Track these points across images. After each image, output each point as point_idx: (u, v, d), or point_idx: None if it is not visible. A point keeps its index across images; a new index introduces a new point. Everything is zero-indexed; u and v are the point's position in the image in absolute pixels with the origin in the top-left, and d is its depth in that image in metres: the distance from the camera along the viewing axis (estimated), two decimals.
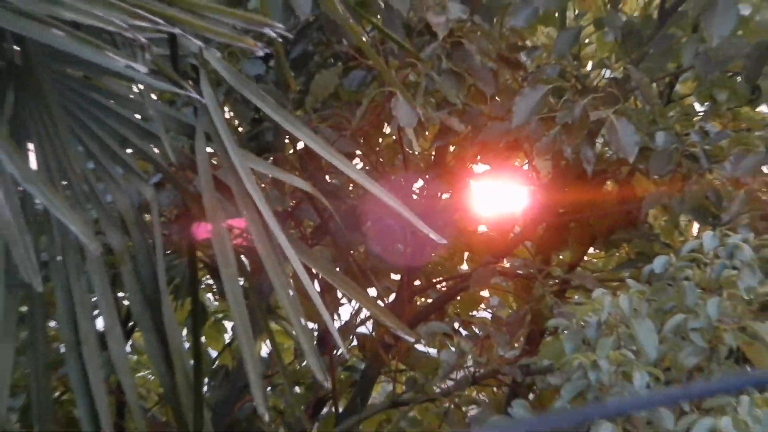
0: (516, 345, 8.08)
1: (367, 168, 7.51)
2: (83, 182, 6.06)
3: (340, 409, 7.99)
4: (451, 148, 7.41)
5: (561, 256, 8.03)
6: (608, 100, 7.11)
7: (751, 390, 6.48)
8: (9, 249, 5.59)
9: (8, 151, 5.31)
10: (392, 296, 7.97)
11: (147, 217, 6.31)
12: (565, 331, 6.61)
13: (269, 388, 7.29)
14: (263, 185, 6.09)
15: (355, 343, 8.14)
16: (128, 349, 6.76)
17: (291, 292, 6.06)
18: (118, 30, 5.57)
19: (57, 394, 6.68)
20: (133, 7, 5.67)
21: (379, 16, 6.84)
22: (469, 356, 8.11)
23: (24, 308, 6.11)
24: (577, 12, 7.89)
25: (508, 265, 8.07)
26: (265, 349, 8.05)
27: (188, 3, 5.91)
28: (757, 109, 7.72)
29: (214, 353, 8.87)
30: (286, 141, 6.63)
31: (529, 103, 6.89)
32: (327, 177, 6.69)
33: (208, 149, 6.06)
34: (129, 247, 6.26)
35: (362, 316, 8.16)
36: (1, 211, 5.47)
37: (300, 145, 6.55)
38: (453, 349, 8.05)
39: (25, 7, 5.55)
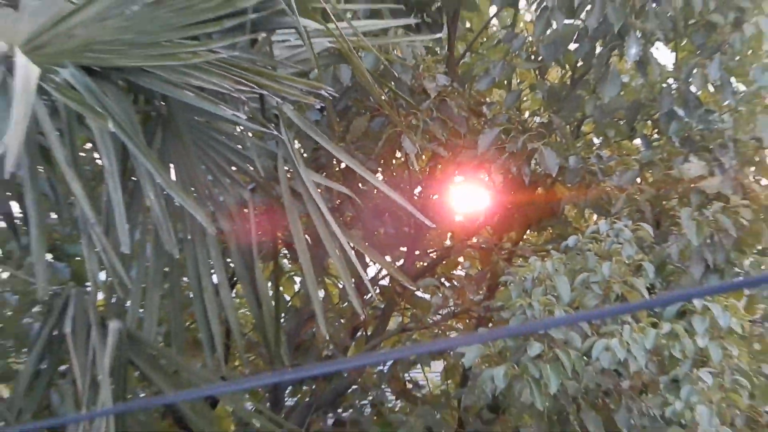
0: (480, 292, 8.09)
1: (385, 179, 7.50)
2: (204, 188, 6.09)
3: (369, 333, 7.99)
4: (439, 167, 7.40)
5: (509, 236, 8.03)
6: (539, 136, 7.09)
7: (630, 320, 6.48)
8: (158, 231, 5.57)
9: (157, 169, 5.29)
10: (401, 261, 8.00)
11: (245, 210, 6.30)
12: (512, 284, 6.59)
13: (325, 317, 7.35)
14: (319, 190, 6.06)
15: (378, 291, 8.16)
16: (233, 294, 6.75)
17: (338, 257, 6.12)
18: (227, 92, 5.56)
19: (187, 324, 6.66)
20: (236, 78, 5.64)
21: (392, 83, 6.84)
22: (450, 300, 8.13)
23: (166, 269, 6.11)
24: (519, 81, 7.88)
25: (475, 241, 8.09)
26: (320, 294, 8.06)
27: (271, 75, 5.91)
28: (633, 142, 7.73)
29: (288, 297, 8.86)
30: (334, 162, 6.63)
31: (488, 138, 6.87)
32: (359, 185, 6.69)
33: (285, 168, 6.06)
34: (234, 229, 6.25)
35: (382, 273, 8.18)
36: (153, 207, 5.44)
37: (342, 165, 6.55)
38: (440, 295, 8.08)
39: (168, 77, 5.53)
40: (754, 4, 6.90)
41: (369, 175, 6.63)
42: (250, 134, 6.15)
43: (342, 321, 7.86)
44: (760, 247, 7.04)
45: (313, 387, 7.55)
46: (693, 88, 7.02)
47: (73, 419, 6.02)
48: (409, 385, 8.39)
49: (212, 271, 6.25)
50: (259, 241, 6.47)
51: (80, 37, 5.61)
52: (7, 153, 4.86)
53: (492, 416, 7.31)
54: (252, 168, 6.26)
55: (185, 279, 6.24)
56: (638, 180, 7.27)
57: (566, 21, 6.96)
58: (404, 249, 7.93)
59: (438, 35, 7.46)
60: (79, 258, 5.99)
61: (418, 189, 7.35)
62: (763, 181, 7.21)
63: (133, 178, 5.59)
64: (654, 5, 6.78)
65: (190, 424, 7.38)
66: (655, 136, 7.43)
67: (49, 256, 6.46)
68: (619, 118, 7.49)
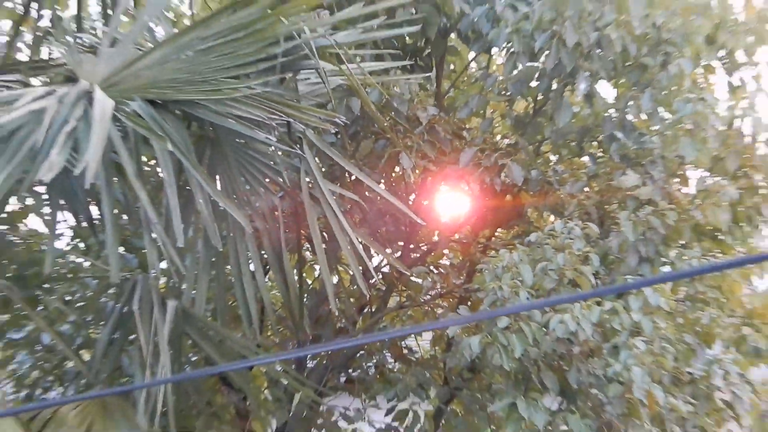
0: (461, 277, 8.07)
1: (386, 188, 7.50)
2: (243, 196, 6.10)
3: (373, 309, 7.98)
4: (429, 178, 7.40)
5: (484, 233, 8.01)
6: (507, 154, 7.09)
7: (581, 301, 6.50)
8: (206, 229, 5.59)
9: (206, 180, 5.32)
10: (398, 253, 7.99)
11: (276, 213, 6.31)
12: (486, 271, 6.59)
13: (337, 299, 7.31)
14: (334, 197, 6.07)
15: (380, 276, 8.13)
16: (266, 279, 6.75)
17: (348, 250, 6.12)
18: (261, 119, 5.57)
19: (229, 303, 6.66)
20: (269, 108, 5.65)
21: (392, 113, 6.85)
22: (438, 283, 8.12)
23: (213, 259, 6.12)
24: (492, 110, 7.86)
25: (457, 237, 8.07)
26: (334, 279, 8.04)
27: (296, 106, 5.94)
28: (582, 159, 7.71)
29: (309, 281, 8.87)
30: (346, 175, 6.62)
31: (468, 156, 6.86)
32: (366, 193, 6.69)
33: (307, 179, 6.07)
34: (266, 228, 6.26)
35: (384, 263, 8.18)
36: (202, 210, 5.46)
37: (353, 177, 6.55)
38: (429, 279, 8.08)
39: (214, 108, 5.56)
40: (676, 49, 6.92)
41: (373, 184, 6.67)
42: (279, 153, 6.16)
43: (351, 300, 7.86)
44: (682, 242, 7.07)
45: (329, 353, 7.56)
46: (629, 116, 7.02)
47: (149, 384, 6.05)
48: (405, 351, 8.40)
49: (249, 260, 6.27)
50: (287, 237, 6.49)
51: (145, 76, 5.65)
52: (88, 168, 4.89)
53: (470, 375, 7.32)
54: (281, 179, 6.28)
55: (228, 267, 6.25)
56: (586, 189, 7.26)
57: (529, 63, 6.96)
58: (401, 243, 7.93)
59: (428, 75, 7.46)
60: (144, 250, 6.00)
61: (413, 196, 7.33)
62: (684, 190, 7.23)
63: (187, 188, 5.61)
64: (598, 50, 6.79)
65: (232, 382, 7.40)
66: (600, 154, 7.41)
67: (120, 249, 6.48)
68: (571, 140, 7.48)
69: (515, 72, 7.16)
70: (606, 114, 7.13)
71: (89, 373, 6.49)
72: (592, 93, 7.08)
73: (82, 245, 7.62)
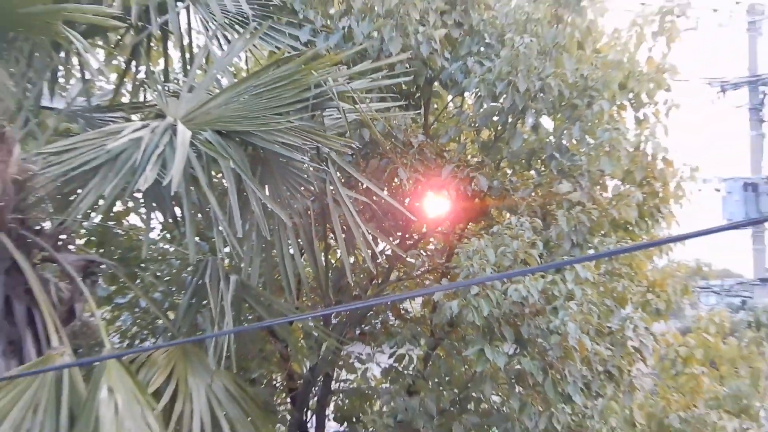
0: (443, 258, 8.05)
1: (388, 193, 7.49)
2: (285, 200, 6.12)
3: (379, 281, 7.96)
4: (419, 187, 7.36)
5: (459, 226, 7.97)
6: (476, 169, 7.08)
7: (530, 275, 6.53)
8: (258, 224, 5.61)
9: (258, 188, 5.33)
10: (397, 240, 7.95)
11: (308, 212, 6.33)
12: (461, 253, 6.59)
13: (353, 274, 7.32)
14: (350, 200, 6.09)
15: (384, 258, 8.10)
16: (301, 260, 6.74)
17: (361, 239, 6.13)
18: (298, 144, 5.60)
19: (275, 276, 6.66)
20: (303, 137, 5.68)
21: (393, 139, 6.86)
22: (426, 262, 8.11)
23: (263, 245, 6.13)
24: (465, 137, 7.83)
25: (439, 229, 8.03)
26: (351, 260, 8.02)
27: (323, 135, 5.99)
28: (530, 172, 7.67)
29: (333, 262, 8.86)
30: (359, 184, 6.60)
31: (447, 171, 6.86)
32: (374, 197, 6.68)
33: (331, 188, 6.09)
34: (301, 223, 6.27)
35: (387, 248, 8.16)
36: (255, 210, 5.46)
37: (363, 186, 6.54)
38: (420, 260, 8.08)
39: (264, 137, 5.59)
40: (598, 93, 6.93)
41: (378, 191, 6.69)
42: (311, 168, 6.18)
43: (363, 275, 7.83)
44: (603, 232, 7.09)
45: (347, 313, 7.56)
46: (564, 141, 7.03)
47: (216, 335, 6.07)
48: (402, 311, 8.36)
49: (289, 246, 6.29)
50: (316, 230, 6.52)
51: (214, 114, 5.70)
52: (173, 180, 4.93)
53: (449, 329, 7.30)
54: (312, 187, 6.31)
55: (274, 251, 6.27)
56: (533, 194, 7.26)
57: (492, 103, 6.97)
58: (399, 234, 7.87)
59: (418, 112, 7.45)
60: (213, 239, 6.03)
61: (407, 199, 7.31)
62: (604, 194, 7.26)
63: (244, 194, 5.62)
64: (542, 94, 6.80)
65: (277, 334, 7.41)
66: (542, 169, 7.38)
67: (196, 239, 6.50)
68: (522, 159, 7.42)
69: (481, 110, 7.16)
70: (547, 140, 7.13)
71: (173, 328, 6.53)
72: (538, 125, 7.09)
73: (168, 236, 7.67)
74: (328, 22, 6.94)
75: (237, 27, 6.76)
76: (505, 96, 6.87)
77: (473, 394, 7.16)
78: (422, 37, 6.79)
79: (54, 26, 5.45)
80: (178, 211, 6.75)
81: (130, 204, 7.34)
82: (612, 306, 7.24)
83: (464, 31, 7.13)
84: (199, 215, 6.34)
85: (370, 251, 6.53)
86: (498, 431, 7.24)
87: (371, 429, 7.22)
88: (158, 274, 7.71)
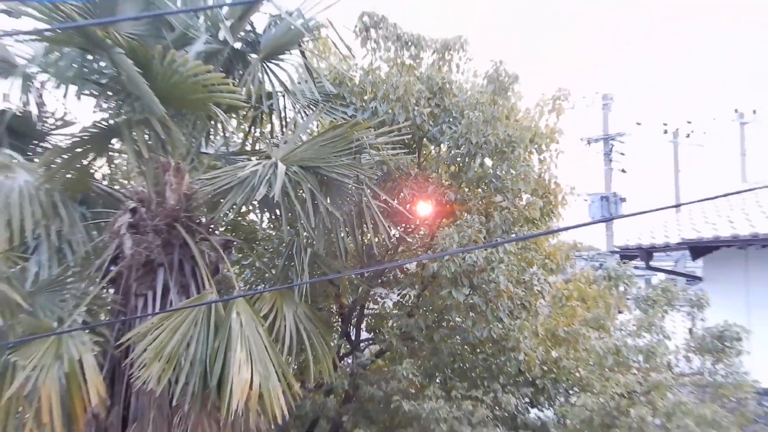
0: (428, 239, 7.98)
1: (397, 202, 7.47)
2: (338, 205, 6.07)
3: (392, 253, 7.94)
4: (415, 198, 7.33)
5: (438, 221, 7.94)
6: (448, 187, 7.06)
7: (479, 250, 6.52)
8: (323, 219, 5.63)
9: (323, 200, 5.33)
10: (401, 229, 7.90)
11: (351, 213, 6.32)
12: (438, 236, 6.57)
13: (377, 248, 7.27)
14: (376, 206, 6.09)
15: (395, 238, 8.06)
16: (348, 240, 6.76)
17: (383, 228, 6.11)
18: (346, 174, 5.61)
19: (333, 249, 6.65)
20: (350, 169, 5.70)
21: (399, 170, 6.92)
22: (419, 241, 8.05)
23: (326, 231, 6.12)
24: (442, 170, 7.82)
25: (427, 222, 7.94)
26: (375, 240, 7.98)
27: (361, 169, 5.97)
28: (478, 189, 7.64)
29: (365, 241, 8.84)
30: (380, 196, 6.57)
31: (431, 189, 6.87)
32: (389, 204, 6.67)
33: (365, 198, 6.07)
34: (347, 218, 6.25)
35: (395, 233, 8.10)
36: (321, 211, 5.47)
37: (382, 198, 6.53)
38: (415, 239, 8.03)
39: (328, 168, 5.59)
40: (517, 143, 6.91)
41: (391, 201, 6.66)
42: (353, 187, 6.15)
43: (382, 249, 7.69)
44: (520, 225, 7.09)
45: (374, 272, 7.53)
46: (498, 172, 6.99)
47: (299, 284, 6.08)
48: (406, 270, 8.28)
49: (340, 232, 6.28)
50: (357, 222, 6.51)
51: (299, 156, 5.71)
52: (276, 193, 4.93)
53: (432, 279, 7.26)
54: (354, 198, 6.22)
55: (332, 235, 6.26)
56: (480, 203, 7.24)
57: (455, 150, 6.97)
58: (403, 225, 7.79)
59: (414, 155, 7.41)
60: (298, 228, 6.02)
61: (408, 206, 7.25)
62: (521, 203, 7.24)
63: (315, 202, 5.62)
64: (485, 144, 6.76)
65: (334, 282, 7.40)
66: (485, 188, 7.31)
67: (288, 227, 6.49)
68: (474, 182, 7.21)
69: (450, 154, 7.16)
70: (488, 171, 7.11)
71: (275, 279, 6.56)
72: (483, 163, 7.05)
73: (272, 225, 7.65)
74: (363, 104, 6.94)
75: (312, 107, 6.77)
76: (463, 146, 6.87)
77: (446, 317, 7.16)
78: (417, 113, 6.79)
79: (208, 106, 5.47)
80: (277, 211, 6.82)
81: (251, 208, 7.34)
82: (525, 266, 7.26)
83: (440, 109, 7.11)
84: (290, 214, 6.36)
85: (386, 235, 6.51)
86: (460, 338, 7.25)
87: (387, 336, 7.23)
88: (266, 248, 7.71)
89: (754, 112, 25.80)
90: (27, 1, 5.04)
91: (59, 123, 6.22)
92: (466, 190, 7.40)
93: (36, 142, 6.14)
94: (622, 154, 23.20)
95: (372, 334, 8.11)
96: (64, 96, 5.72)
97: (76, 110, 6.53)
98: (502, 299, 6.65)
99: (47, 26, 4.95)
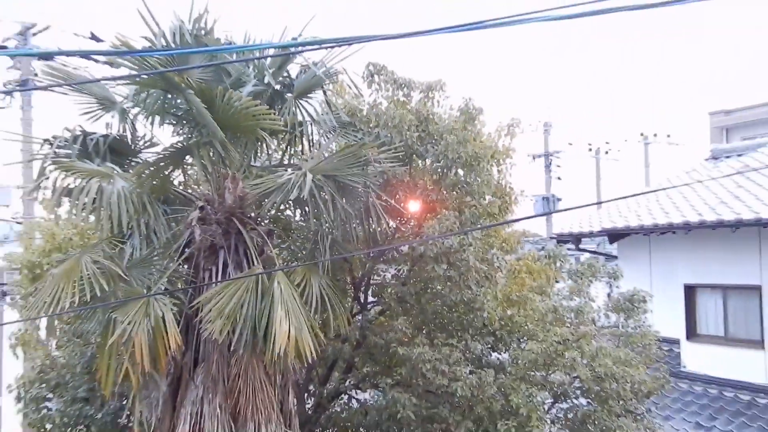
0: (417, 228, 7.88)
1: (394, 202, 7.40)
2: (351, 203, 5.92)
3: (390, 238, 7.86)
4: (408, 199, 7.26)
5: (426, 216, 7.85)
6: (431, 191, 6.98)
7: (456, 236, 6.45)
8: (341, 214, 5.54)
9: (339, 199, 5.24)
10: (398, 221, 7.79)
11: (360, 209, 6.22)
12: (425, 227, 6.49)
13: (380, 234, 7.16)
14: (380, 204, 6.03)
15: (394, 227, 7.96)
16: (360, 228, 6.70)
17: (383, 220, 6.00)
18: (357, 180, 5.52)
19: (347, 236, 6.57)
20: (359, 177, 5.63)
21: (395, 179, 6.85)
22: (411, 230, 7.94)
23: (342, 222, 6.00)
24: (426, 178, 7.84)
25: (416, 216, 7.86)
26: (379, 229, 7.81)
27: (368, 177, 5.87)
28: (453, 192, 7.58)
29: (371, 229, 8.60)
30: (381, 197, 6.49)
31: (418, 192, 6.79)
32: (388, 203, 6.61)
33: (371, 199, 5.98)
34: (358, 213, 6.11)
35: (393, 225, 7.99)
36: (339, 208, 5.39)
37: (383, 198, 6.45)
38: (408, 229, 7.92)
39: (344, 177, 5.52)
40: (482, 159, 6.87)
41: (390, 200, 6.60)
42: (361, 190, 6.07)
43: (384, 235, 7.60)
44: (483, 218, 7.01)
45: (374, 252, 7.44)
46: (467, 180, 6.90)
47: (324, 260, 6.00)
48: (402, 250, 8.17)
49: (352, 222, 6.18)
50: (366, 216, 6.44)
51: (322, 167, 5.59)
52: (305, 193, 4.88)
53: (419, 258, 7.15)
54: (362, 199, 6.09)
55: (346, 226, 6.19)
56: (455, 202, 7.16)
57: (437, 163, 6.91)
58: (399, 218, 7.68)
59: (407, 167, 7.27)
60: (323, 219, 5.93)
61: (402, 204, 7.14)
62: (484, 202, 7.16)
63: (334, 201, 5.57)
64: (458, 160, 6.75)
65: (348, 260, 7.27)
66: (459, 191, 7.23)
67: (313, 221, 6.38)
68: (450, 187, 7.08)
69: (432, 167, 7.10)
70: (461, 179, 7.05)
71: (306, 257, 6.50)
72: (456, 173, 6.99)
73: (303, 217, 7.52)
74: (369, 130, 6.88)
75: (331, 132, 6.69)
76: (442, 161, 6.82)
77: (429, 286, 7.06)
78: (408, 136, 6.71)
79: (256, 131, 5.46)
80: (306, 208, 6.74)
81: (287, 206, 7.24)
82: (487, 248, 7.19)
83: (426, 134, 7.02)
84: (315, 210, 6.29)
85: (386, 225, 6.46)
86: (440, 301, 7.17)
87: (387, 300, 7.20)
88: (298, 235, 7.58)
89: (655, 135, 26.35)
90: (124, 55, 5.12)
91: (147, 144, 6.20)
92: (445, 192, 7.34)
93: (130, 158, 6.11)
94: (558, 166, 23.83)
95: (376, 298, 8.06)
96: (151, 125, 5.72)
97: (159, 135, 6.50)
98: (471, 273, 6.58)
99: (138, 73, 5.01)
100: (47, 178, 5.23)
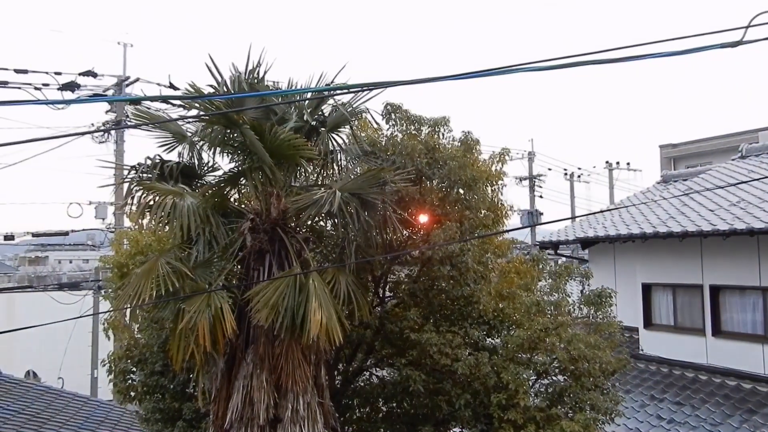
0: (426, 236, 7.74)
1: (407, 214, 7.31)
2: (372, 215, 5.76)
3: (402, 245, 7.71)
4: (417, 212, 7.17)
5: (433, 227, 7.69)
6: (437, 206, 6.82)
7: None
8: (363, 223, 5.41)
9: (362, 212, 5.11)
10: (410, 231, 7.66)
11: (377, 218, 6.09)
12: (433, 233, 6.35)
13: (395, 242, 6.99)
14: (395, 216, 5.91)
15: (406, 235, 7.79)
16: (376, 228, 6.18)
17: (398, 229, 5.87)
18: (376, 197, 5.41)
19: (369, 242, 6.42)
20: (378, 194, 5.52)
21: (407, 197, 6.71)
22: (419, 238, 7.78)
23: (365, 231, 5.83)
24: (433, 196, 7.66)
25: (425, 227, 7.71)
26: (395, 237, 7.57)
27: (385, 194, 5.76)
28: (455, 207, 7.42)
29: (387, 237, 8.36)
30: (396, 210, 6.37)
31: (426, 207, 6.67)
32: (402, 215, 6.48)
33: (388, 213, 5.85)
34: (377, 221, 5.93)
35: (406, 233, 7.81)
36: (362, 219, 5.24)
37: (398, 210, 6.32)
38: (418, 237, 7.77)
39: (365, 195, 5.40)
40: (479, 180, 6.74)
41: (403, 213, 6.46)
42: (380, 204, 5.90)
43: (398, 242, 7.41)
44: (480, 229, 6.85)
45: (391, 256, 7.29)
46: (467, 197, 6.68)
47: (349, 263, 5.88)
48: (412, 255, 7.92)
49: (374, 232, 5.97)
50: (383, 225, 6.32)
51: (348, 187, 5.53)
52: (335, 207, 4.81)
53: (427, 261, 6.95)
54: (380, 212, 5.98)
55: (368, 234, 6.05)
56: (456, 215, 6.98)
57: (441, 184, 6.78)
58: (410, 228, 7.53)
59: (417, 186, 7.19)
60: (348, 227, 5.82)
61: (413, 217, 7.01)
62: (480, 215, 6.99)
63: (357, 215, 5.44)
64: (459, 181, 6.62)
65: (370, 262, 7.13)
66: (460, 205, 7.03)
67: (341, 230, 6.23)
68: (453, 203, 6.85)
69: (439, 186, 6.96)
70: (462, 197, 6.92)
71: (335, 260, 6.41)
72: (458, 191, 6.83)
73: (332, 229, 7.39)
74: (386, 157, 6.77)
75: (356, 159, 6.60)
76: (446, 182, 6.73)
77: (436, 283, 6.83)
78: (419, 162, 6.61)
79: (297, 158, 5.47)
80: (335, 220, 6.65)
81: (320, 218, 7.10)
82: (483, 253, 7.04)
83: (433, 160, 6.89)
84: (343, 221, 6.21)
85: (400, 234, 6.34)
86: (444, 296, 6.97)
87: (401, 294, 7.08)
88: (329, 242, 7.39)
89: (617, 163, 26.43)
90: (195, 99, 5.23)
91: (210, 169, 6.26)
92: (448, 207, 7.23)
93: (197, 180, 6.17)
94: (540, 186, 23.86)
95: (392, 293, 7.93)
96: (213, 154, 5.81)
97: (220, 162, 6.56)
98: (470, 273, 6.45)
99: (205, 114, 5.10)
100: (133, 197, 5.41)
